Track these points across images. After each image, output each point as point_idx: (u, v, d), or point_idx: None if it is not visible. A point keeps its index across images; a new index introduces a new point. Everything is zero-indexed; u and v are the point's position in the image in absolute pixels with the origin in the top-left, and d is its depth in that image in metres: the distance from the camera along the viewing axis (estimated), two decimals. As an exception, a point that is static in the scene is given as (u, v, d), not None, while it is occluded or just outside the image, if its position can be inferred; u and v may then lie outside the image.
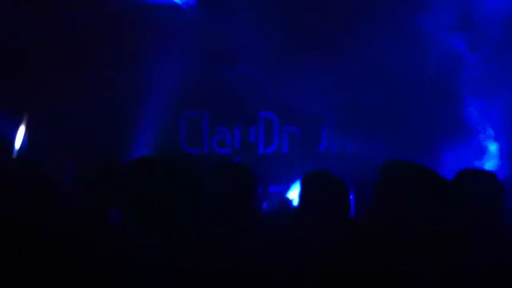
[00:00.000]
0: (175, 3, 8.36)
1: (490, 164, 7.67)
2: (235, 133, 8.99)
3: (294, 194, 6.50)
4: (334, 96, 8.08)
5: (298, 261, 2.43)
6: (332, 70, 8.10)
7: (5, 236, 2.65)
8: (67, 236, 2.70)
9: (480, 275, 2.35)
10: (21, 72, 8.13)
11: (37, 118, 8.29)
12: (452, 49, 7.71)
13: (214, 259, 2.57)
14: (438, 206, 2.08)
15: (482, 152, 7.89)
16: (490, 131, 7.97)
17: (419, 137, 7.57)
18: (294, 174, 7.40)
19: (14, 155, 7.78)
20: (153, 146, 8.46)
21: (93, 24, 8.20)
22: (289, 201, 6.60)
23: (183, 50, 8.18)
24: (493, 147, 7.92)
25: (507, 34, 7.68)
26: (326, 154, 8.73)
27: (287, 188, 7.41)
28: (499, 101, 7.83)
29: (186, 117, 9.03)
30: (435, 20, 7.63)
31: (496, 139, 7.97)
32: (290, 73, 8.04)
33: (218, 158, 8.54)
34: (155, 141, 8.49)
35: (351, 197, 3.56)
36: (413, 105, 7.75)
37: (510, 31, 7.67)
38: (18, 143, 8.01)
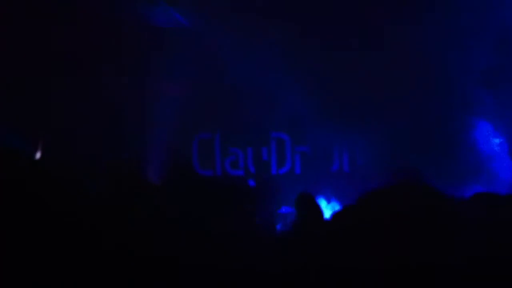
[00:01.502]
0: (184, 26, 8.43)
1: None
2: (248, 154, 8.99)
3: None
4: (345, 115, 8.10)
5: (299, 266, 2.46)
6: (343, 89, 8.13)
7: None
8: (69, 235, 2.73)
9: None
10: (34, 91, 8.21)
11: (50, 138, 8.36)
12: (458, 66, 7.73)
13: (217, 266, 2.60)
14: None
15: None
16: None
17: (428, 155, 7.57)
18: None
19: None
20: (166, 169, 8.48)
21: (106, 49, 8.29)
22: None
23: (194, 73, 8.24)
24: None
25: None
26: (339, 173, 8.70)
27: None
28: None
29: (198, 139, 9.04)
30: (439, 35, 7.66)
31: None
32: (300, 92, 8.06)
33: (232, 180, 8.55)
34: (168, 164, 8.52)
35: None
36: (425, 125, 7.78)
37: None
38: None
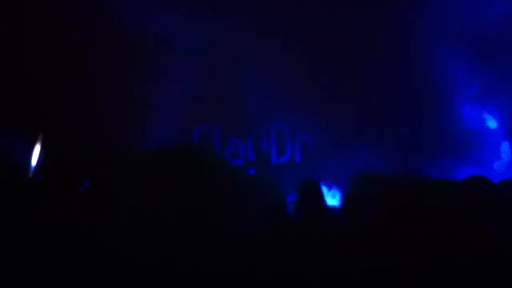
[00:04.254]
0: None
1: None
2: (248, 143, 9.01)
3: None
4: (344, 104, 8.14)
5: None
6: (343, 78, 8.18)
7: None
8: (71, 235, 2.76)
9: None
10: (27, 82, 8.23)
11: (50, 135, 8.37)
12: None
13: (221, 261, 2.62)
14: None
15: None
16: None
17: (421, 144, 7.65)
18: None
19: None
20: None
21: (106, 39, 8.31)
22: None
23: (193, 63, 8.25)
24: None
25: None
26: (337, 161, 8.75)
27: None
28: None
29: (198, 130, 9.07)
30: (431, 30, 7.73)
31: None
32: (300, 82, 8.10)
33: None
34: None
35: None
36: (412, 113, 7.84)
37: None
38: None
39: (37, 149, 8.20)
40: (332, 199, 6.95)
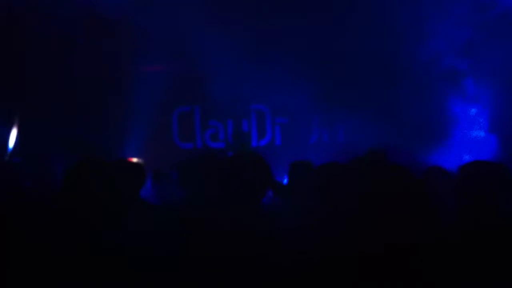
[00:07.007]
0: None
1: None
2: (228, 126, 8.98)
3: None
4: (325, 86, 8.13)
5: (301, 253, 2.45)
6: (323, 61, 8.17)
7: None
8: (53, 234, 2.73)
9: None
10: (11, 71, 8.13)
11: (26, 116, 8.30)
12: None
13: (219, 249, 2.60)
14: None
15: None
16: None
17: (408, 127, 7.68)
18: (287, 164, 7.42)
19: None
20: (146, 142, 8.47)
21: (83, 23, 8.22)
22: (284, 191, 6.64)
23: (172, 47, 8.19)
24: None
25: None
26: (318, 144, 8.75)
27: (281, 179, 7.45)
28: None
29: (178, 112, 9.02)
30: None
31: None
32: (280, 64, 8.08)
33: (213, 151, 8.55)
34: (148, 137, 8.51)
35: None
36: (404, 97, 7.85)
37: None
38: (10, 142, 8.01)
39: (14, 132, 8.12)
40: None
